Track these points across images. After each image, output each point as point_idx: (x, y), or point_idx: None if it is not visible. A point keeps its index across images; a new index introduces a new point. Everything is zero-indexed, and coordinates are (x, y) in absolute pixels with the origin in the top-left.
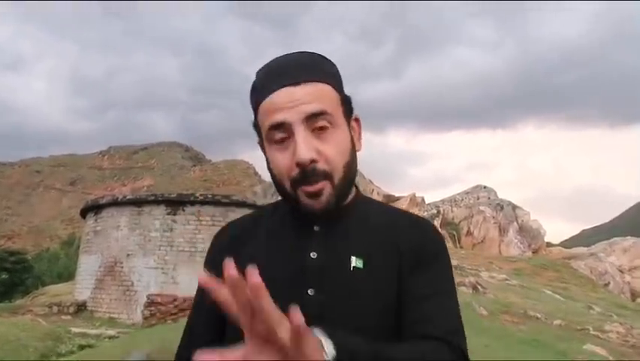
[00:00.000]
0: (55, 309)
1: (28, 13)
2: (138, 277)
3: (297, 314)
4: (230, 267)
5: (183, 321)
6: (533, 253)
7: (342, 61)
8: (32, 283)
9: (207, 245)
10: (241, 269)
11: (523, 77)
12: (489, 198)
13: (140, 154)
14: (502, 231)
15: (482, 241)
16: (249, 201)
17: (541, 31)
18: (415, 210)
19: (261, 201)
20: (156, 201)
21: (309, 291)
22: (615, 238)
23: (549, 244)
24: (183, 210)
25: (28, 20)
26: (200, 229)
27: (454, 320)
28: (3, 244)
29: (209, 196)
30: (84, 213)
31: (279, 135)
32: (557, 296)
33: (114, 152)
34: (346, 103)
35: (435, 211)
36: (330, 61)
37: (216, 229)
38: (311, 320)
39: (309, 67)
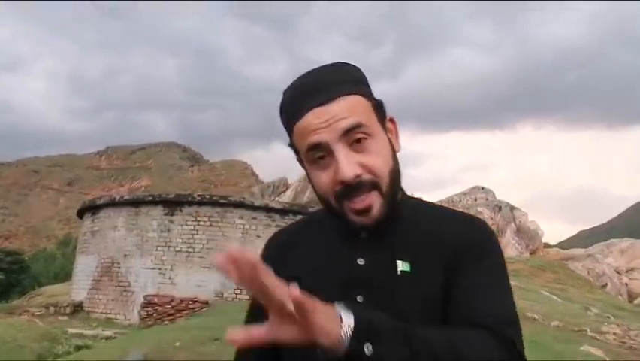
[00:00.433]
0: (51, 310)
1: (26, 14)
2: (135, 277)
3: (295, 288)
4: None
5: (180, 322)
6: (531, 254)
7: (341, 61)
8: (29, 284)
9: (204, 246)
10: (287, 277)
11: (522, 78)
12: (487, 199)
13: (138, 154)
14: (500, 232)
15: None
16: (246, 202)
17: (540, 33)
18: None
19: (258, 202)
20: (154, 202)
21: (357, 298)
22: (612, 240)
23: (546, 245)
24: (181, 211)
25: (27, 20)
26: (197, 230)
27: (507, 310)
28: (0, 244)
29: (207, 197)
30: (81, 213)
31: (318, 155)
32: (555, 297)
33: (112, 152)
34: (379, 108)
35: None
36: (354, 67)
37: (214, 230)
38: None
39: (337, 81)
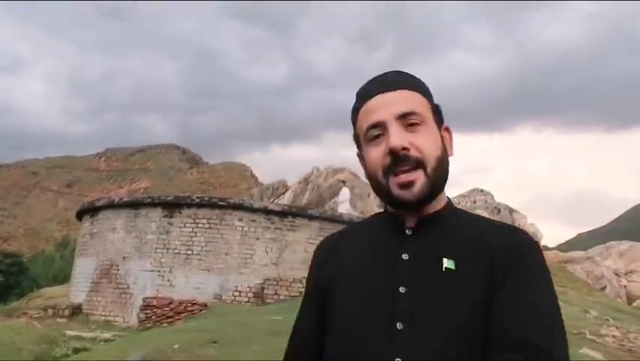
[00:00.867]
0: (50, 312)
1: (25, 15)
2: (134, 279)
3: None
4: None
5: (179, 324)
6: None
7: (340, 64)
8: (28, 286)
9: (203, 248)
10: (334, 274)
11: (521, 81)
12: (486, 201)
13: (137, 156)
14: None
15: None
16: (245, 204)
17: (539, 36)
18: None
19: (257, 204)
20: (153, 204)
21: (400, 288)
22: (611, 242)
23: (546, 248)
24: (180, 213)
25: (26, 22)
26: (196, 232)
27: (544, 321)
28: None
29: (206, 199)
30: (80, 215)
31: (375, 133)
32: None
33: (111, 154)
34: (437, 112)
35: None
36: (422, 80)
37: (213, 232)
38: (402, 316)
39: (404, 79)
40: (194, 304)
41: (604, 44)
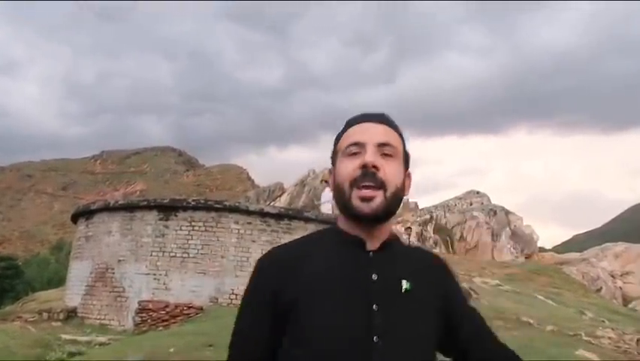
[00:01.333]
0: (45, 315)
1: (20, 17)
2: (130, 283)
3: None
4: None
5: (174, 328)
6: (526, 258)
7: (336, 66)
8: (22, 289)
9: (199, 251)
10: (304, 288)
11: (516, 83)
12: (482, 203)
13: (133, 159)
14: (495, 236)
15: (475, 247)
16: (241, 207)
17: (534, 38)
18: (408, 216)
19: (253, 207)
20: (148, 207)
21: (374, 306)
22: (607, 244)
23: (542, 249)
24: (176, 216)
25: (20, 24)
26: (192, 235)
27: None
28: None
29: (202, 202)
30: (75, 218)
31: (353, 150)
32: (550, 302)
33: (107, 156)
34: (406, 157)
35: (428, 217)
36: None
37: (209, 235)
38: (377, 331)
39: (388, 119)
40: (190, 307)
41: (599, 46)
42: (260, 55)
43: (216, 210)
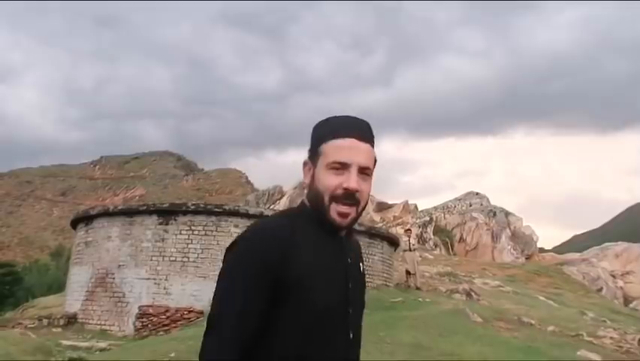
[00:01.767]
0: (45, 322)
1: (17, 23)
2: (130, 288)
3: None
4: None
5: (175, 332)
6: (526, 259)
7: (334, 69)
8: (22, 296)
9: (199, 255)
10: (305, 272)
11: (513, 85)
12: (481, 204)
13: (132, 164)
14: (495, 237)
15: (475, 248)
16: (241, 210)
17: (530, 39)
18: (408, 218)
19: (253, 210)
20: (148, 211)
21: (350, 284)
22: (607, 244)
23: (541, 250)
24: (175, 220)
25: (16, 30)
26: (192, 239)
27: None
28: None
29: (202, 206)
30: (75, 223)
31: (338, 166)
32: (551, 302)
33: (106, 162)
34: (375, 160)
35: (427, 218)
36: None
37: (209, 239)
38: (350, 304)
39: (368, 132)
40: (190, 311)
41: (596, 47)
42: (257, 59)
43: (216, 214)
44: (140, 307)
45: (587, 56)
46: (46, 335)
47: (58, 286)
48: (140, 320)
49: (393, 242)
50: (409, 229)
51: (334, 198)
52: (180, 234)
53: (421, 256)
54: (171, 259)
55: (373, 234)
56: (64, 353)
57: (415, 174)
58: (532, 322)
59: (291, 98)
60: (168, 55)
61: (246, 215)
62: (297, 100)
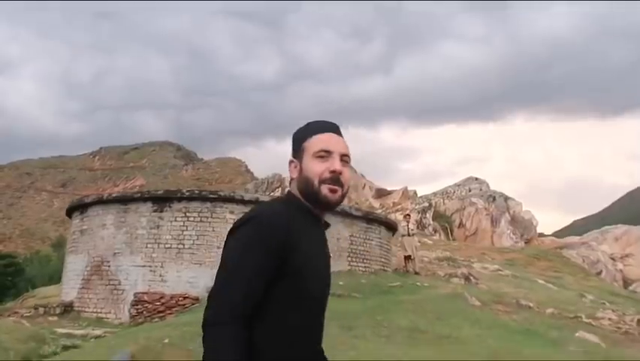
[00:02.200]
0: (41, 310)
1: (15, 16)
2: (125, 275)
3: None
4: None
5: (170, 319)
6: (526, 243)
7: (333, 58)
8: (24, 286)
9: (194, 242)
10: (303, 258)
11: (513, 71)
12: (481, 189)
13: (132, 154)
14: (494, 222)
15: (474, 233)
16: (236, 196)
17: (530, 25)
18: (407, 204)
19: (248, 196)
20: (142, 199)
21: (329, 269)
22: (606, 227)
23: (541, 235)
24: (170, 207)
25: (16, 23)
26: (187, 226)
27: None
28: None
29: (196, 192)
30: (70, 212)
31: (323, 154)
32: (550, 285)
33: (105, 152)
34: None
35: (427, 204)
36: None
37: (204, 226)
38: (327, 285)
39: (341, 133)
40: (185, 298)
41: (596, 32)
42: (256, 49)
43: (211, 200)
44: (135, 294)
45: (587, 41)
46: (42, 324)
47: (59, 276)
48: (135, 307)
49: (391, 227)
50: (408, 214)
51: (323, 181)
52: (175, 221)
53: (420, 242)
54: (166, 246)
55: (371, 219)
56: (58, 340)
57: (415, 162)
58: (531, 305)
59: (290, 88)
60: (167, 45)
61: (242, 201)
62: (296, 89)
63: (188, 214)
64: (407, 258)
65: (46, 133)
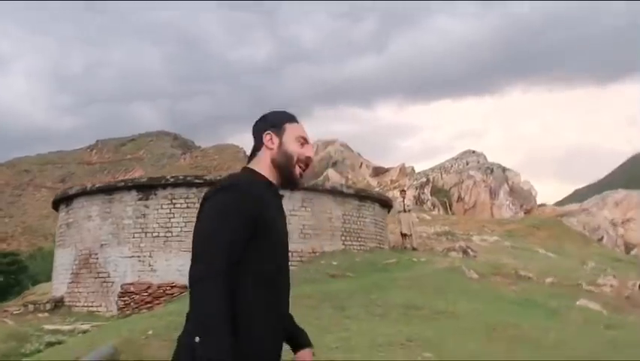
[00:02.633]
0: (30, 307)
1: (3, 11)
2: (114, 267)
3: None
4: None
5: (158, 309)
6: (526, 213)
7: (325, 38)
8: (27, 283)
9: (182, 229)
10: (269, 225)
11: (508, 42)
12: (478, 162)
13: (129, 146)
14: (493, 194)
15: (474, 206)
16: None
17: None
18: (405, 180)
19: None
20: (127, 187)
21: (287, 235)
22: (607, 192)
23: (542, 205)
24: (155, 195)
25: (4, 18)
26: (174, 213)
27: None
28: None
29: (181, 178)
30: (56, 205)
31: (302, 140)
32: (551, 254)
33: (102, 145)
34: None
35: (424, 180)
36: None
37: (191, 212)
38: (287, 252)
39: None
40: (173, 287)
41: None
42: (248, 33)
43: (197, 185)
44: (122, 286)
45: (581, 7)
46: (30, 321)
47: None
48: (122, 298)
49: (385, 204)
50: (404, 190)
51: (299, 162)
52: (162, 208)
53: (418, 217)
54: (154, 234)
55: (363, 196)
56: (41, 338)
57: (414, 138)
58: (530, 275)
59: (284, 70)
60: (158, 35)
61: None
62: (290, 71)
63: (174, 201)
64: (404, 235)
65: (42, 129)
